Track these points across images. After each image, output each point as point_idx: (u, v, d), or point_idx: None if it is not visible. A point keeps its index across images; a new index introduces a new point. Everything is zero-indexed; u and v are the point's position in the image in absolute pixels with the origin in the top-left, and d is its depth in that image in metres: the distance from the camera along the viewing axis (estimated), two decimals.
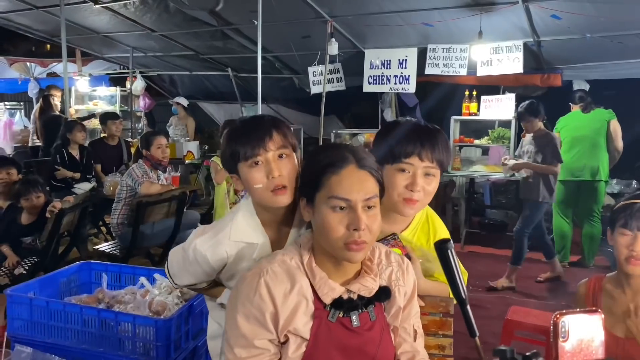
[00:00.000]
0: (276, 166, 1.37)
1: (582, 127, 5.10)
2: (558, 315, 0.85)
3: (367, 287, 1.28)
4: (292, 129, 1.52)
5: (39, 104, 7.61)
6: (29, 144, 8.08)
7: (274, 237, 1.48)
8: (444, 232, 1.71)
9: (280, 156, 1.39)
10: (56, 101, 7.41)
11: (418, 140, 1.52)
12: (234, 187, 4.22)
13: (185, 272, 1.53)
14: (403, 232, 1.64)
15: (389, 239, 1.53)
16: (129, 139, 7.68)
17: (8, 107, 9.94)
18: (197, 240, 1.47)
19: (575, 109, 5.20)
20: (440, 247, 1.08)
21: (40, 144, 7.44)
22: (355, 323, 1.27)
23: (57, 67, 9.06)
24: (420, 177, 1.52)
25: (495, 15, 5.17)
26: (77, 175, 5.32)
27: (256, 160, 1.38)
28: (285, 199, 1.39)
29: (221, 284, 1.58)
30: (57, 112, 7.33)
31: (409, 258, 1.49)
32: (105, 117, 6.11)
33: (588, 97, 5.18)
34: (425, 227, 1.69)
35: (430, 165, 1.52)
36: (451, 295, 1.66)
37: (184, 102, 8.03)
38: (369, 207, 1.22)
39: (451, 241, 1.08)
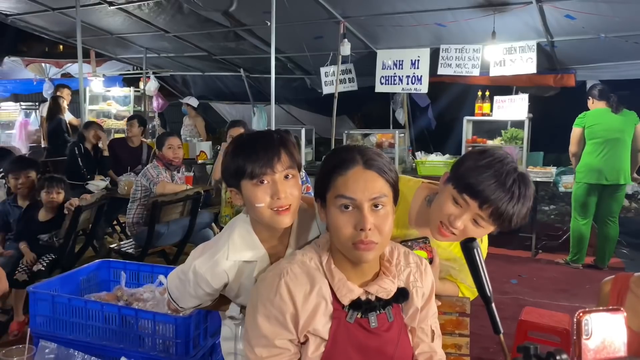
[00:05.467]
0: (282, 187, 1.36)
1: (615, 128, 4.93)
2: (581, 314, 0.86)
3: (385, 289, 1.29)
4: (296, 146, 1.48)
5: (47, 105, 7.69)
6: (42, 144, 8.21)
7: (272, 250, 1.47)
8: (484, 241, 1.67)
9: (286, 177, 1.38)
10: (64, 103, 7.49)
11: (491, 189, 1.38)
12: (232, 200, 4.24)
13: (188, 295, 1.52)
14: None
15: (420, 241, 1.52)
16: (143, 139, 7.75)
17: (23, 107, 10.07)
18: (196, 262, 1.46)
19: (599, 105, 5.00)
20: (466, 245, 1.09)
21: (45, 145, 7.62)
22: (373, 324, 1.28)
23: (72, 67, 9.17)
24: (466, 220, 1.42)
25: (509, 16, 5.16)
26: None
27: (262, 179, 1.36)
28: (287, 219, 1.38)
29: (226, 297, 1.58)
30: (64, 116, 7.41)
31: (430, 262, 1.49)
32: (128, 119, 6.29)
33: (613, 95, 5.02)
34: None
35: (484, 218, 1.40)
36: (460, 295, 1.67)
37: (194, 102, 8.08)
38: (377, 207, 1.22)
39: (477, 240, 1.09)
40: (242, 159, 1.36)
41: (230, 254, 1.44)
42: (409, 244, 1.51)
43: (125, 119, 6.56)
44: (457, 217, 1.42)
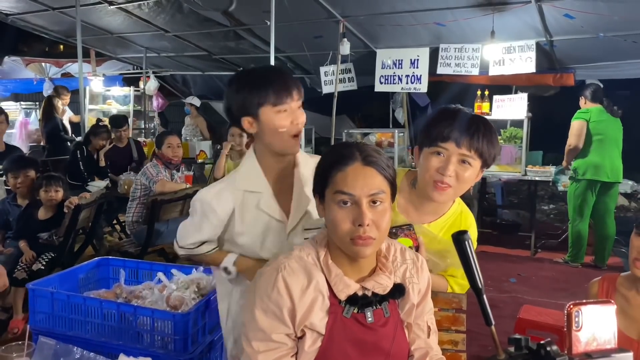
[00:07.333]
0: (298, 114, 1.53)
1: (615, 128, 5.04)
2: (572, 306, 0.87)
3: (382, 284, 1.30)
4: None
5: (42, 106, 7.71)
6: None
7: (276, 188, 1.56)
8: (473, 232, 1.69)
9: (299, 107, 1.54)
10: (60, 104, 7.46)
11: (457, 126, 1.51)
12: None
13: (192, 228, 1.59)
14: (432, 223, 1.64)
15: (404, 228, 1.53)
16: (142, 139, 7.76)
17: (24, 106, 10.09)
18: (202, 190, 1.58)
19: (591, 106, 5.09)
20: (458, 238, 1.11)
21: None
22: (369, 319, 1.28)
23: (72, 67, 9.17)
24: (454, 163, 1.52)
25: (508, 15, 5.17)
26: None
27: (284, 107, 1.49)
28: (298, 145, 1.57)
29: (223, 253, 1.64)
30: (61, 115, 7.42)
31: (417, 249, 1.52)
32: (111, 124, 6.06)
33: (607, 99, 5.08)
34: (458, 222, 1.68)
35: (467, 154, 1.51)
36: (449, 290, 1.68)
37: (197, 102, 8.09)
38: (375, 203, 1.23)
39: (468, 232, 1.11)
40: (264, 87, 1.48)
41: (238, 182, 1.55)
42: (394, 230, 1.52)
43: (109, 124, 6.22)
44: (445, 165, 1.52)
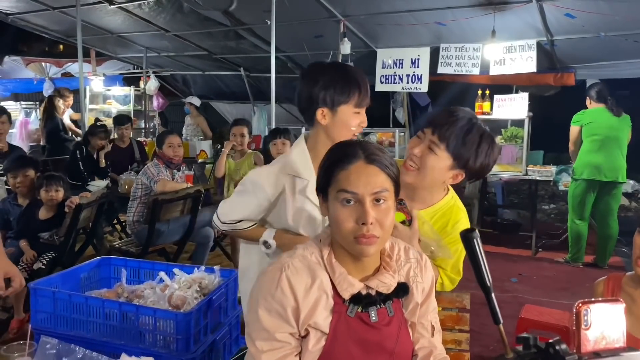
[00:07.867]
0: (365, 118, 1.68)
1: (614, 127, 4.98)
2: (580, 304, 0.87)
3: (386, 283, 1.29)
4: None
5: (43, 106, 7.71)
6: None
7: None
8: (465, 224, 1.71)
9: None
10: (61, 104, 7.47)
11: (442, 116, 1.64)
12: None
13: (238, 204, 1.69)
14: (421, 211, 1.67)
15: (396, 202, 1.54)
16: (142, 139, 7.75)
17: (24, 106, 10.08)
18: (254, 170, 1.72)
19: (597, 106, 5.05)
20: (466, 236, 1.10)
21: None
22: (373, 318, 1.28)
23: (72, 67, 9.18)
24: (424, 146, 1.63)
25: (509, 14, 5.17)
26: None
27: (359, 110, 1.65)
28: None
29: (260, 229, 1.72)
30: (62, 115, 7.43)
31: (409, 223, 1.54)
32: (114, 122, 6.14)
33: (611, 98, 5.06)
34: (448, 214, 1.72)
35: (435, 141, 1.61)
36: (439, 282, 1.69)
37: (197, 102, 8.09)
38: (379, 201, 1.23)
39: (477, 231, 1.10)
40: (353, 89, 1.62)
41: (287, 167, 1.66)
42: None
43: (112, 123, 6.24)
44: (415, 146, 1.65)
